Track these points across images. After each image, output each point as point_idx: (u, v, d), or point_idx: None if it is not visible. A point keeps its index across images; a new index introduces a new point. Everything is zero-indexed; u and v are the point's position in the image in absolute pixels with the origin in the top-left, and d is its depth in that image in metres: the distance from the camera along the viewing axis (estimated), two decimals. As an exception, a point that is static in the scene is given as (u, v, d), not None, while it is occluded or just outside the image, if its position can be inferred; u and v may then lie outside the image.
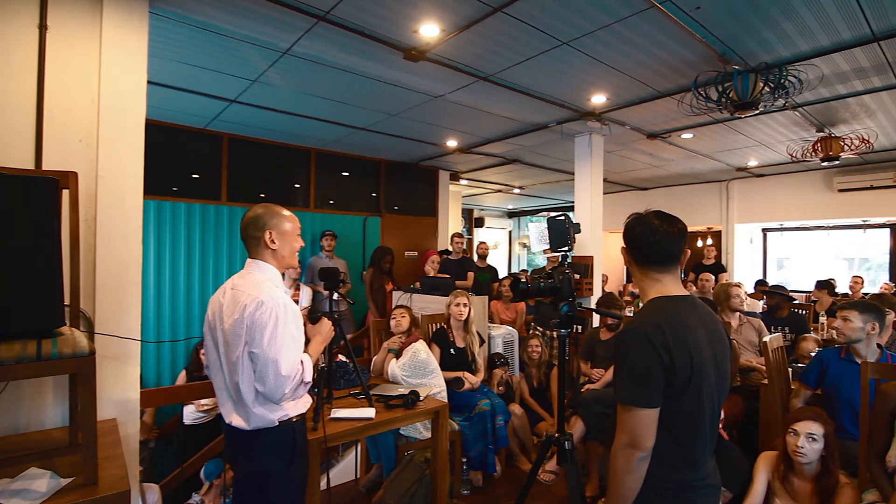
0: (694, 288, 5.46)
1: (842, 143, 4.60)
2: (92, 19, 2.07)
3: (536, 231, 9.40)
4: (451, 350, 3.50)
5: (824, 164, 4.84)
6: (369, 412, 2.35)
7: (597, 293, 4.90)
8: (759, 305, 5.40)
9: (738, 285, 3.95)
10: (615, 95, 3.82)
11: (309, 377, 1.66)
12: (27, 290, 1.36)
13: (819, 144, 4.67)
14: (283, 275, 1.84)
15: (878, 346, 2.59)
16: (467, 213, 11.18)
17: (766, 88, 3.10)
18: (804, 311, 5.08)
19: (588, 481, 3.12)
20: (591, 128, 4.67)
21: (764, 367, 3.15)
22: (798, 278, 7.99)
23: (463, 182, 7.97)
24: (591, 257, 4.78)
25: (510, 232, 12.53)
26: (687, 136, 5.04)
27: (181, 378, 3.78)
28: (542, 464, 2.21)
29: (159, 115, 4.36)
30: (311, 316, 1.95)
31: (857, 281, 6.02)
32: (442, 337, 3.55)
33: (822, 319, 4.65)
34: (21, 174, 1.57)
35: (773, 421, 2.85)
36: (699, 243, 8.42)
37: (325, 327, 1.91)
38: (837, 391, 2.55)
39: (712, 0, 2.41)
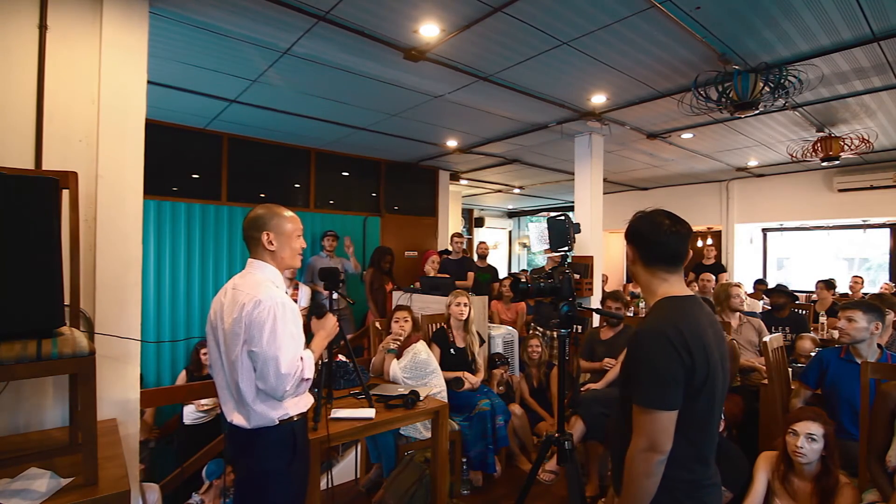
0: (696, 287, 5.46)
1: (842, 143, 4.60)
2: (92, 19, 2.07)
3: (536, 231, 9.40)
4: (451, 350, 3.50)
5: (824, 164, 4.84)
6: (369, 412, 2.35)
7: (597, 293, 4.90)
8: (759, 305, 5.41)
9: (738, 285, 3.95)
10: (615, 95, 3.82)
11: (309, 374, 1.66)
12: (27, 290, 1.36)
13: (819, 144, 4.67)
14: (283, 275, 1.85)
15: (879, 346, 2.59)
16: (467, 213, 11.19)
17: (766, 88, 3.10)
18: (804, 311, 5.08)
19: (588, 481, 3.12)
20: (591, 128, 4.67)
21: (764, 367, 3.15)
22: (798, 278, 7.99)
23: (463, 182, 7.97)
24: (591, 257, 4.78)
25: (510, 232, 12.53)
26: (687, 136, 5.04)
27: (181, 378, 3.78)
28: (542, 464, 2.21)
29: (159, 115, 4.36)
30: (317, 311, 1.93)
31: (857, 281, 6.02)
32: (442, 337, 3.55)
33: (823, 319, 4.65)
34: (21, 174, 1.57)
35: (773, 421, 2.85)
36: (699, 243, 8.42)
37: (330, 323, 1.90)
38: (837, 391, 2.55)
39: (712, 0, 2.41)
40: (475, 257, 6.17)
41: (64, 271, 1.49)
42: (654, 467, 1.23)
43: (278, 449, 1.68)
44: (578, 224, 2.19)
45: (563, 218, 2.18)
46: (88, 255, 2.01)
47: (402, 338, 3.21)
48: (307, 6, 2.48)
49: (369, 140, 5.36)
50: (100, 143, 2.06)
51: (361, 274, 5.75)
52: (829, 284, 5.44)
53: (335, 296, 2.35)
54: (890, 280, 6.70)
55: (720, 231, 7.95)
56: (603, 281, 5.56)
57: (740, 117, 3.78)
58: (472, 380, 3.42)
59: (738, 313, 3.86)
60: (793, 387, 3.01)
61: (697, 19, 2.60)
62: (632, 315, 5.26)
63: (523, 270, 10.72)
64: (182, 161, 4.99)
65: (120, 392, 2.07)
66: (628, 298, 6.47)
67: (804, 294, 6.86)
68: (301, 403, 1.76)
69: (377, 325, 3.66)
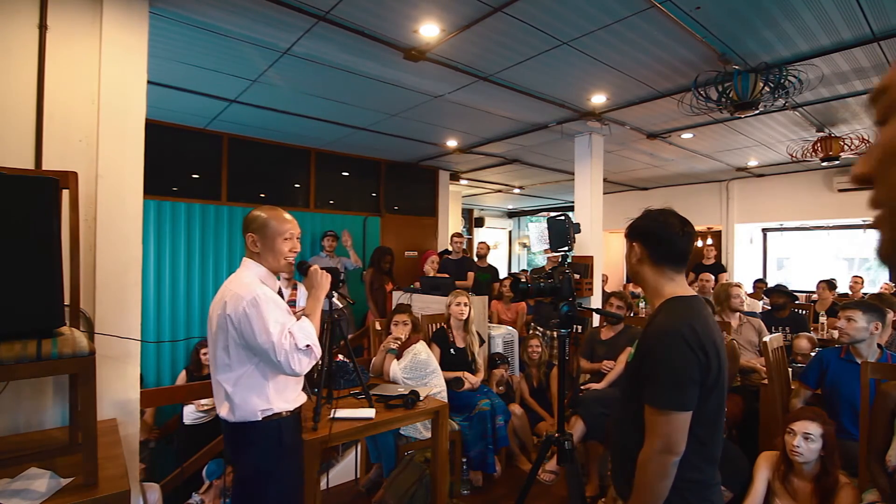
0: (696, 287, 5.46)
1: (842, 143, 4.60)
2: (92, 19, 2.07)
3: (536, 231, 9.41)
4: (451, 350, 3.50)
5: (824, 164, 4.84)
6: (369, 412, 2.35)
7: (597, 293, 4.90)
8: (759, 305, 5.40)
9: (738, 285, 3.95)
10: (615, 95, 3.82)
11: (306, 341, 1.69)
12: (27, 290, 1.36)
13: (819, 144, 4.67)
14: (278, 276, 1.89)
15: (879, 345, 2.59)
16: (467, 213, 11.18)
17: (766, 88, 3.10)
18: (804, 311, 5.08)
19: (588, 481, 3.12)
20: (591, 128, 4.67)
21: (764, 368, 3.15)
22: (798, 278, 7.99)
23: (463, 182, 7.97)
24: (591, 257, 4.78)
25: (510, 232, 12.53)
26: (687, 136, 5.04)
27: (181, 378, 3.78)
28: (542, 464, 2.21)
29: (159, 115, 4.35)
30: (300, 268, 1.97)
31: (857, 281, 6.02)
32: (442, 337, 3.55)
33: (822, 319, 4.65)
34: (21, 174, 1.57)
35: (773, 421, 2.85)
36: (699, 243, 8.42)
37: (317, 277, 1.90)
38: (837, 391, 2.55)
39: (712, 0, 2.41)
40: (475, 257, 6.18)
41: (64, 271, 1.49)
42: (669, 469, 1.22)
43: (265, 446, 1.71)
44: (578, 224, 2.19)
45: (563, 218, 2.18)
46: (88, 255, 2.01)
47: (401, 339, 3.22)
48: (307, 6, 2.48)
49: (369, 140, 5.36)
50: (100, 143, 2.06)
51: (362, 271, 5.75)
52: (831, 285, 5.45)
53: (335, 296, 2.35)
54: (890, 280, 6.69)
55: (720, 231, 7.95)
56: (603, 281, 5.56)
57: (740, 117, 3.77)
58: (472, 380, 3.42)
59: (737, 313, 3.85)
60: (793, 387, 3.01)
61: (697, 19, 2.60)
62: (632, 315, 5.25)
63: (523, 270, 10.72)
64: (182, 161, 4.99)
65: (120, 392, 2.07)
66: (629, 298, 6.49)
67: (804, 294, 6.86)
68: (286, 399, 1.77)
69: (377, 325, 3.66)
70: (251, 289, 1.67)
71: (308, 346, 1.69)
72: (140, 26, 2.19)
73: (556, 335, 4.42)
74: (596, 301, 4.89)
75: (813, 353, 3.50)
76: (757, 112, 3.30)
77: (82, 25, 2.05)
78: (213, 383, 1.75)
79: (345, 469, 3.35)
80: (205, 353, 3.51)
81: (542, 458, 2.14)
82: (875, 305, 2.59)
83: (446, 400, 2.95)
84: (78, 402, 1.43)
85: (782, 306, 4.44)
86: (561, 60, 3.13)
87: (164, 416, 3.84)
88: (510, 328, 4.46)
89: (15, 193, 1.36)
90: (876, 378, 2.20)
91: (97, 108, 2.07)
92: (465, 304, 3.52)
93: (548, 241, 2.26)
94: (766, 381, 3.04)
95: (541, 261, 11.56)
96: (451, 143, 5.55)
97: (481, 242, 6.33)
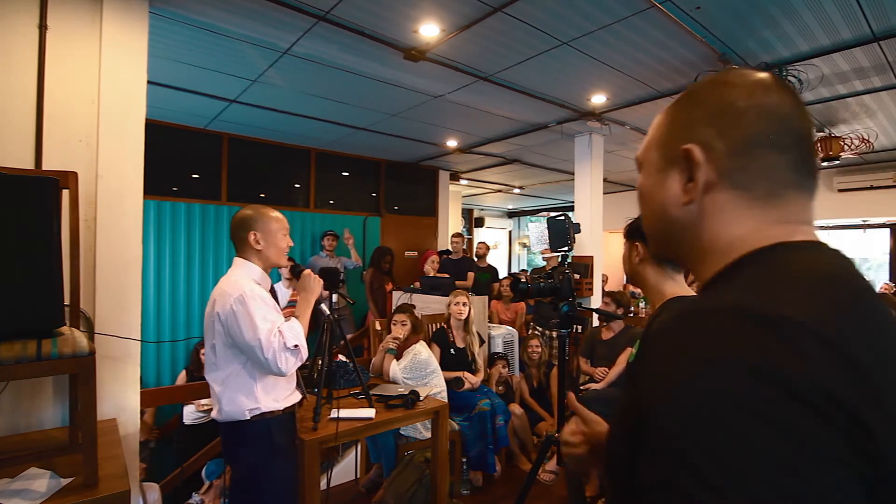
0: (695, 288, 5.45)
1: (842, 143, 4.60)
2: (92, 19, 2.07)
3: (536, 231, 9.40)
4: (451, 350, 3.50)
5: (824, 164, 4.84)
6: (369, 412, 2.35)
7: (597, 293, 4.90)
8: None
9: None
10: (615, 95, 3.82)
11: (294, 341, 1.69)
12: (27, 290, 1.36)
13: (819, 144, 4.67)
14: (269, 273, 1.92)
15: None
16: (467, 213, 11.18)
17: (766, 88, 3.09)
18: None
19: (588, 481, 3.12)
20: (591, 128, 4.67)
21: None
22: (798, 278, 7.99)
23: (463, 182, 7.97)
24: (591, 257, 4.77)
25: (510, 232, 12.53)
26: (687, 136, 5.03)
27: (181, 378, 3.78)
28: (542, 464, 2.21)
29: (159, 115, 4.35)
30: (293, 271, 2.01)
31: (857, 281, 6.02)
32: (442, 337, 3.55)
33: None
34: (21, 174, 1.57)
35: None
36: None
37: (309, 281, 1.92)
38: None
39: (712, 0, 2.41)
40: (475, 257, 6.18)
41: (64, 271, 1.49)
42: None
43: (256, 444, 1.72)
44: (578, 224, 2.19)
45: (563, 218, 2.18)
46: (88, 255, 2.01)
47: (399, 339, 3.22)
48: (307, 6, 2.47)
49: (369, 140, 5.36)
50: (100, 143, 2.06)
51: (362, 271, 5.75)
52: None
53: (335, 296, 2.35)
54: (890, 280, 6.70)
55: (720, 231, 7.94)
56: (603, 281, 5.55)
57: (740, 117, 3.77)
58: (472, 380, 3.42)
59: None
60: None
61: (697, 19, 2.60)
62: (632, 315, 5.26)
63: (523, 270, 10.72)
64: (182, 161, 4.99)
65: (120, 392, 2.07)
66: (629, 298, 6.49)
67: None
68: (275, 398, 1.77)
69: (377, 325, 3.66)
70: (239, 286, 1.69)
71: (296, 346, 1.70)
72: (140, 26, 2.19)
73: (556, 335, 4.42)
74: (596, 301, 4.89)
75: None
76: (757, 112, 3.30)
77: (82, 25, 2.05)
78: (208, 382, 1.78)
79: (345, 469, 3.35)
80: (203, 353, 3.51)
81: (542, 458, 2.14)
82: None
83: (446, 400, 2.95)
84: (78, 402, 1.43)
85: None
86: (561, 60, 3.13)
87: (164, 416, 3.83)
88: (510, 328, 4.46)
89: (15, 193, 1.36)
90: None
91: (97, 108, 2.07)
92: (465, 304, 3.52)
93: (548, 241, 2.26)
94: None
95: (541, 261, 11.56)
96: (451, 143, 5.55)
97: (481, 242, 6.33)
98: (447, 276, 4.89)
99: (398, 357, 3.13)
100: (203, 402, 3.35)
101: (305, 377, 2.45)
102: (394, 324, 3.32)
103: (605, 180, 5.59)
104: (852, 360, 0.39)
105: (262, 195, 5.52)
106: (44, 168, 1.93)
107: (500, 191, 9.03)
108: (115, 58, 2.11)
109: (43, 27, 1.95)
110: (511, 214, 12.43)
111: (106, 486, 1.38)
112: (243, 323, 1.64)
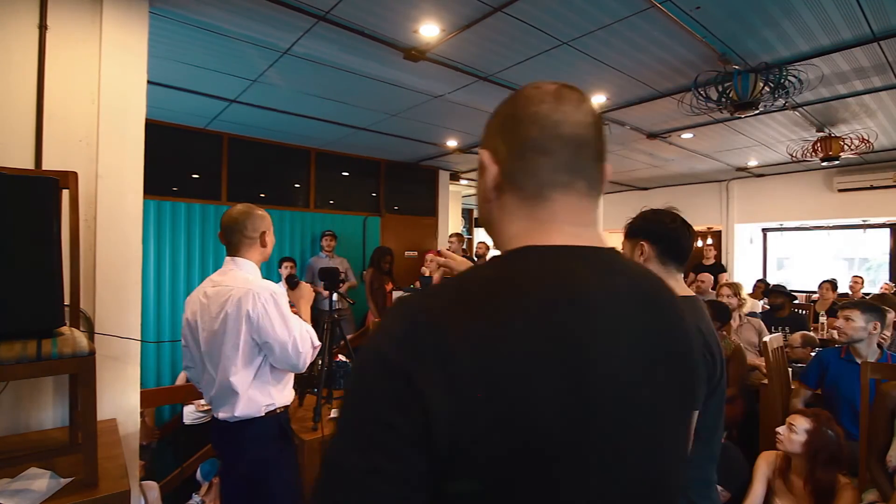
0: (693, 288, 5.46)
1: (842, 143, 4.60)
2: (92, 19, 2.07)
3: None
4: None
5: (824, 164, 4.84)
6: (369, 412, 2.34)
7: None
8: (759, 305, 5.40)
9: (732, 285, 3.96)
10: (615, 95, 3.81)
11: (317, 341, 1.82)
12: (27, 290, 1.36)
13: (819, 144, 4.67)
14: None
15: (879, 346, 2.59)
16: (467, 214, 11.18)
17: (766, 88, 3.10)
18: (804, 311, 5.08)
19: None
20: (591, 128, 4.66)
21: (764, 366, 3.14)
22: (798, 278, 7.99)
23: (463, 182, 7.97)
24: (591, 257, 4.77)
25: (510, 232, 12.51)
26: (687, 136, 5.03)
27: (181, 378, 3.78)
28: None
29: (159, 115, 4.35)
30: (291, 284, 2.05)
31: (857, 281, 6.02)
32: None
33: (822, 319, 4.65)
34: (21, 174, 1.57)
35: (773, 421, 2.85)
36: (699, 243, 8.42)
37: (305, 290, 2.02)
38: (837, 391, 2.55)
39: (712, 0, 2.41)
40: (474, 258, 6.18)
41: (64, 271, 1.49)
42: None
43: (265, 440, 1.74)
44: (578, 224, 2.19)
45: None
46: (88, 255, 2.01)
47: None
48: (307, 6, 2.47)
49: (369, 140, 5.36)
50: (100, 143, 2.06)
51: (362, 271, 5.75)
52: (834, 285, 5.45)
53: (335, 296, 2.35)
54: (890, 280, 6.70)
55: (720, 231, 7.95)
56: (603, 281, 5.54)
57: (740, 117, 3.77)
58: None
59: (736, 313, 3.86)
60: (793, 387, 3.01)
61: (697, 19, 2.60)
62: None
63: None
64: (182, 161, 4.99)
65: (120, 392, 2.07)
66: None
67: (804, 294, 6.86)
68: (285, 396, 1.83)
69: (377, 325, 3.66)
70: (266, 284, 1.73)
71: (319, 344, 1.83)
72: (140, 26, 2.19)
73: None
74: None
75: (804, 348, 3.50)
76: (757, 112, 3.30)
77: (82, 25, 2.05)
78: (212, 385, 1.75)
79: (345, 469, 3.34)
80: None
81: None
82: (874, 305, 2.59)
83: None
84: (78, 402, 1.43)
85: (780, 306, 4.44)
86: (561, 60, 3.13)
87: (165, 416, 3.84)
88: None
89: (15, 193, 1.36)
90: (876, 378, 2.20)
91: (97, 108, 2.06)
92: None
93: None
94: (766, 381, 3.04)
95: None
96: (451, 143, 5.55)
97: (480, 242, 6.33)
98: (447, 276, 4.88)
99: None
100: (203, 402, 3.35)
101: (305, 377, 2.45)
102: None
103: (605, 180, 5.59)
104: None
105: (262, 195, 5.52)
106: (44, 168, 1.93)
107: (500, 191, 9.02)
108: (115, 58, 2.10)
109: (43, 27, 1.95)
110: (511, 214, 12.40)
111: (106, 486, 1.37)
112: (276, 320, 1.67)
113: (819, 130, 4.64)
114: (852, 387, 2.39)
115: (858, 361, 2.47)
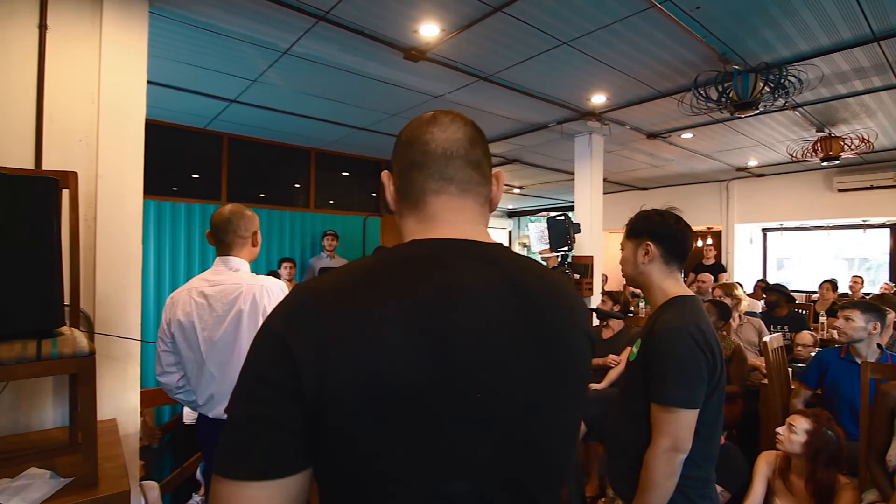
0: (693, 288, 5.46)
1: (842, 143, 4.60)
2: (92, 19, 2.07)
3: (536, 231, 9.40)
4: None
5: (824, 164, 4.85)
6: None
7: (597, 293, 4.90)
8: (759, 305, 5.40)
9: (732, 285, 3.96)
10: (615, 95, 3.82)
11: None
12: (27, 290, 1.35)
13: (819, 144, 4.67)
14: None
15: (879, 346, 2.59)
16: (467, 213, 11.17)
17: (766, 88, 3.10)
18: (804, 311, 5.08)
19: (588, 481, 3.12)
20: (591, 128, 4.67)
21: (763, 366, 3.14)
22: (798, 278, 7.99)
23: (463, 182, 7.96)
24: (591, 257, 4.77)
25: (510, 232, 12.53)
26: (687, 136, 5.04)
27: (181, 378, 3.77)
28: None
29: (159, 115, 4.35)
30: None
31: (857, 281, 6.02)
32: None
33: (822, 319, 4.65)
34: (21, 174, 1.56)
35: (773, 421, 2.85)
36: (699, 243, 8.43)
37: None
38: (837, 391, 2.55)
39: (712, 0, 2.41)
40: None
41: (64, 271, 1.49)
42: (676, 467, 1.22)
43: None
44: (578, 224, 2.20)
45: (563, 218, 2.18)
46: (88, 255, 2.01)
47: None
48: (307, 6, 2.48)
49: (369, 140, 5.36)
50: (100, 143, 2.06)
51: None
52: (834, 285, 5.45)
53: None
54: (890, 280, 6.70)
55: (720, 231, 7.95)
56: (603, 281, 5.56)
57: (740, 117, 3.78)
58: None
59: (736, 313, 3.86)
60: (793, 387, 3.01)
61: (697, 19, 2.60)
62: (632, 315, 5.26)
63: (523, 270, 10.69)
64: (182, 161, 4.99)
65: (120, 392, 2.07)
66: (629, 297, 6.49)
67: (804, 294, 6.86)
68: None
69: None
70: (275, 280, 1.76)
71: None
72: (140, 26, 2.19)
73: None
74: (596, 301, 4.89)
75: (813, 353, 3.49)
76: (757, 112, 3.30)
77: (82, 25, 2.05)
78: (211, 384, 1.74)
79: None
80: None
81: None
82: (874, 305, 2.59)
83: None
84: (78, 402, 1.43)
85: (776, 303, 4.44)
86: (561, 60, 3.13)
87: (165, 416, 3.83)
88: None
89: (15, 193, 1.36)
90: (876, 378, 2.20)
91: (97, 108, 2.07)
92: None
93: (548, 241, 2.26)
94: (766, 381, 3.04)
95: (541, 261, 11.53)
96: (451, 143, 5.54)
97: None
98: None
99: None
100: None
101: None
102: None
103: (604, 180, 5.59)
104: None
105: (262, 195, 5.53)
106: (44, 168, 1.93)
107: (500, 191, 9.02)
108: (115, 58, 2.10)
109: (43, 27, 1.95)
110: (511, 214, 12.43)
111: (106, 486, 1.37)
112: None
113: (819, 130, 4.64)
114: (852, 387, 2.39)
115: (858, 361, 2.47)
